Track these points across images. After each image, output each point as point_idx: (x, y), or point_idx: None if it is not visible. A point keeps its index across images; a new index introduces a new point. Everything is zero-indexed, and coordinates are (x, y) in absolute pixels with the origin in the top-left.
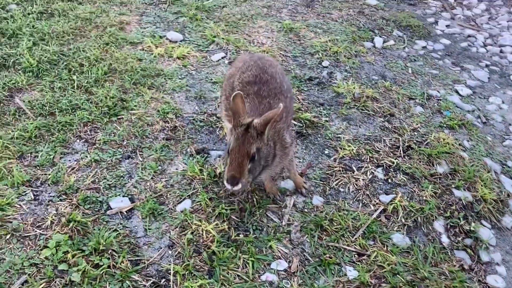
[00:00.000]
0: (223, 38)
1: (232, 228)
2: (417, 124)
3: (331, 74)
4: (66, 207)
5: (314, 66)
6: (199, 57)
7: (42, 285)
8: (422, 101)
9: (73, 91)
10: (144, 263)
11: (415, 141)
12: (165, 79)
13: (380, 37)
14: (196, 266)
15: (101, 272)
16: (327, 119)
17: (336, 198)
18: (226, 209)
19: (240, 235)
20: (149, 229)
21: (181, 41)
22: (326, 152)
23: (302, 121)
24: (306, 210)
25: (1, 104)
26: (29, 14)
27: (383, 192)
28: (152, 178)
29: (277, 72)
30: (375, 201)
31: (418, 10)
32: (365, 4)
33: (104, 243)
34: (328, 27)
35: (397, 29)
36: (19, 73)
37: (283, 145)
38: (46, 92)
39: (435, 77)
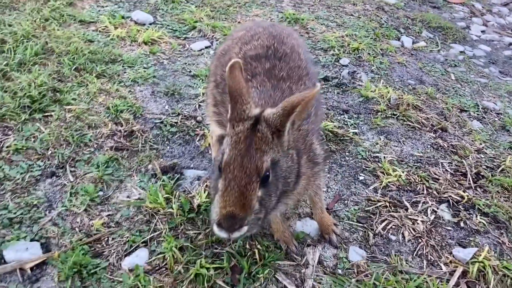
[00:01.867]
0: (207, 24)
1: None
2: (480, 144)
3: (353, 74)
4: None
5: (329, 64)
6: (174, 44)
7: None
8: (477, 114)
9: None
10: None
11: (484, 167)
12: (123, 66)
13: (408, 36)
14: None
15: None
16: (356, 130)
17: (386, 251)
18: (207, 268)
19: None
20: None
21: (150, 24)
22: (361, 178)
23: (322, 132)
24: (340, 271)
25: None
26: None
27: (457, 243)
28: (86, 210)
29: (299, 45)
30: (446, 257)
31: (445, 13)
32: (382, 1)
33: None
34: (343, 21)
35: (427, 30)
36: None
37: (313, 159)
38: None
39: (485, 86)
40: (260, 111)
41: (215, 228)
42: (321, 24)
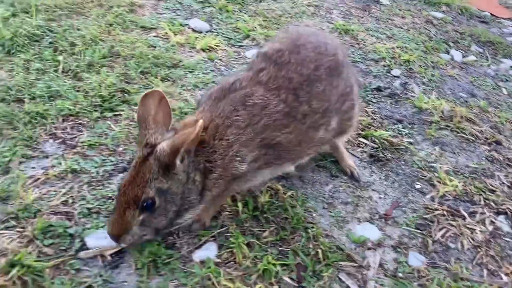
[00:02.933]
0: (260, 33)
1: None
2: None
3: (405, 85)
4: (13, 240)
5: (381, 75)
6: (230, 51)
7: None
8: None
9: (56, 75)
10: None
11: None
12: (184, 71)
13: (457, 50)
14: None
15: None
16: (410, 140)
17: (446, 258)
18: (274, 264)
19: None
20: None
21: (207, 31)
22: (417, 186)
23: (377, 140)
24: (401, 274)
25: None
26: None
27: None
28: None
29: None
30: (507, 267)
31: (493, 28)
32: (430, 15)
33: None
34: (392, 33)
35: (476, 45)
36: None
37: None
38: (16, 73)
39: None
40: (159, 141)
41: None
42: (371, 36)
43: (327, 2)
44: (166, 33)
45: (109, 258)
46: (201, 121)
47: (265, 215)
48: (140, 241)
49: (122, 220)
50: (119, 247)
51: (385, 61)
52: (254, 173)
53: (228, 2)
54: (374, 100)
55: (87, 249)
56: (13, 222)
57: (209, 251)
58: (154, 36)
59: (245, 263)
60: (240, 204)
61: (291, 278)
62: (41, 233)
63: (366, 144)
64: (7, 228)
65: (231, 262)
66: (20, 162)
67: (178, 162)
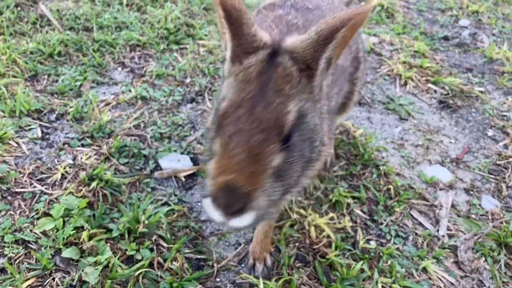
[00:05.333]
0: None
1: (357, 228)
2: None
3: (474, 35)
4: (90, 156)
5: (448, 24)
6: None
7: (31, 280)
8: None
9: (121, 7)
10: (213, 267)
11: None
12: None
13: None
14: (302, 286)
15: (137, 273)
16: (481, 89)
17: None
18: (346, 196)
19: (372, 243)
20: None
21: None
22: (489, 133)
23: (447, 87)
24: (474, 216)
25: (19, 9)
26: None
27: None
28: None
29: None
30: None
31: None
32: None
33: (146, 222)
34: None
35: None
36: None
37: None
38: (83, 3)
39: None
40: (277, 40)
41: (208, 206)
42: None
43: None
44: None
45: (183, 179)
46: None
47: (335, 151)
48: (259, 221)
49: (253, 162)
50: (194, 169)
51: (452, 11)
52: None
53: None
54: (441, 49)
55: (161, 169)
56: (89, 141)
57: None
58: None
59: (316, 193)
60: None
61: (362, 211)
62: (117, 152)
63: (435, 90)
64: (83, 145)
65: (303, 192)
66: (91, 87)
67: (323, 62)
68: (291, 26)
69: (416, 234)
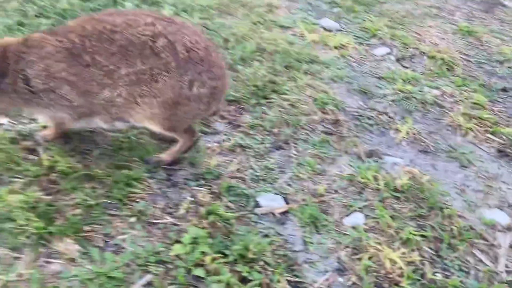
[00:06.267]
0: (386, 33)
1: (425, 262)
2: None
3: None
4: (205, 195)
5: (506, 76)
6: (359, 49)
7: None
8: None
9: None
10: None
11: None
12: (321, 66)
13: None
14: None
15: None
16: None
17: None
18: (415, 235)
19: (438, 275)
20: (310, 242)
21: (337, 30)
22: None
23: (505, 137)
24: None
25: None
26: None
27: None
28: (309, 177)
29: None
30: None
31: None
32: None
33: (254, 250)
34: None
35: None
36: None
37: None
38: None
39: None
40: None
41: None
42: (496, 37)
43: (449, 4)
44: (301, 31)
45: (278, 215)
46: None
47: (404, 195)
48: None
49: None
50: (286, 207)
51: (510, 63)
52: None
53: (354, 3)
54: (500, 100)
55: (260, 207)
56: (202, 181)
57: (357, 219)
58: (291, 34)
59: (389, 231)
60: (381, 183)
61: (430, 247)
62: (226, 191)
63: (493, 140)
64: (199, 185)
65: (377, 230)
66: (199, 136)
67: None
68: None
69: (477, 269)
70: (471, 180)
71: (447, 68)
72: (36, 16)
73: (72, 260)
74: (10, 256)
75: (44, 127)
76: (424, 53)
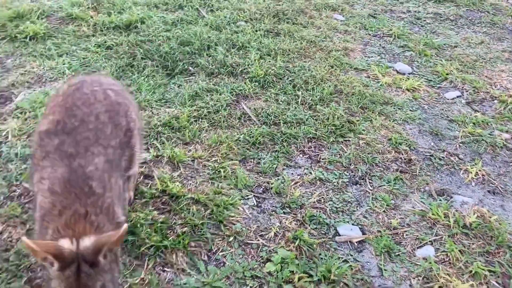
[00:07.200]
0: (457, 77)
1: None
2: None
3: None
4: (291, 221)
5: None
6: (431, 92)
7: None
8: None
9: (297, 106)
10: None
11: None
12: (394, 108)
13: None
14: None
15: None
16: None
17: None
18: (483, 269)
19: None
20: (384, 269)
21: (409, 73)
22: None
23: None
24: None
25: (229, 108)
26: (257, 31)
27: None
28: (384, 211)
29: (97, 105)
30: None
31: None
32: None
33: (335, 272)
34: None
35: None
36: (246, 81)
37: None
38: (271, 103)
39: None
40: (75, 247)
41: None
42: None
43: None
44: (375, 74)
45: (355, 244)
46: (126, 225)
47: (473, 232)
48: None
49: None
50: (363, 237)
51: None
52: None
53: (425, 46)
54: None
55: (339, 235)
56: (288, 210)
57: (428, 251)
58: (366, 77)
59: (458, 264)
60: (451, 220)
61: (497, 282)
62: (309, 220)
63: None
64: (284, 213)
65: (447, 262)
66: (283, 169)
67: (101, 258)
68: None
69: None
70: None
71: None
72: (142, 58)
73: (183, 270)
74: (134, 263)
75: (157, 156)
76: (495, 97)
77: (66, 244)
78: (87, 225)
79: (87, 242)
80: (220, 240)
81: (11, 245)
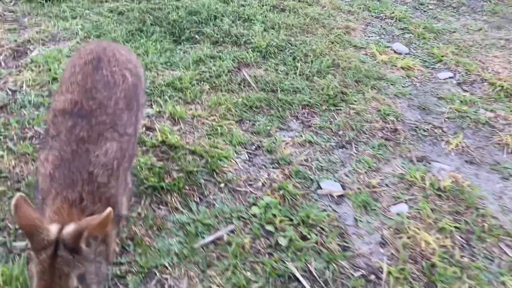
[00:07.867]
0: (451, 59)
1: (456, 247)
2: None
3: None
4: (278, 175)
5: None
6: (424, 71)
7: (247, 239)
8: None
9: (295, 76)
10: (353, 252)
11: None
12: (387, 83)
13: None
14: (412, 274)
15: (308, 245)
16: None
17: None
18: (450, 225)
19: (465, 258)
20: (360, 220)
21: (406, 54)
22: None
23: None
24: None
25: (230, 74)
26: (263, 5)
27: None
28: (366, 172)
29: (116, 89)
30: None
31: None
32: None
33: (314, 218)
34: None
35: None
36: (249, 51)
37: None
38: (270, 72)
39: None
40: (59, 231)
41: None
42: None
43: None
44: (373, 52)
45: (335, 197)
46: (109, 209)
47: (446, 194)
48: None
49: None
50: (343, 192)
51: None
52: None
53: (424, 29)
54: None
55: (321, 189)
56: (277, 165)
57: (402, 208)
58: (363, 54)
59: (428, 220)
60: (427, 183)
61: (461, 237)
62: (295, 174)
63: None
64: (274, 168)
65: (418, 219)
66: (276, 131)
67: (83, 246)
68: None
69: (501, 259)
70: (510, 190)
71: (505, 95)
72: (151, 24)
73: (176, 209)
74: (133, 199)
75: (159, 112)
76: (485, 79)
77: (53, 229)
78: (78, 212)
79: (70, 227)
80: (212, 186)
81: (22, 178)
